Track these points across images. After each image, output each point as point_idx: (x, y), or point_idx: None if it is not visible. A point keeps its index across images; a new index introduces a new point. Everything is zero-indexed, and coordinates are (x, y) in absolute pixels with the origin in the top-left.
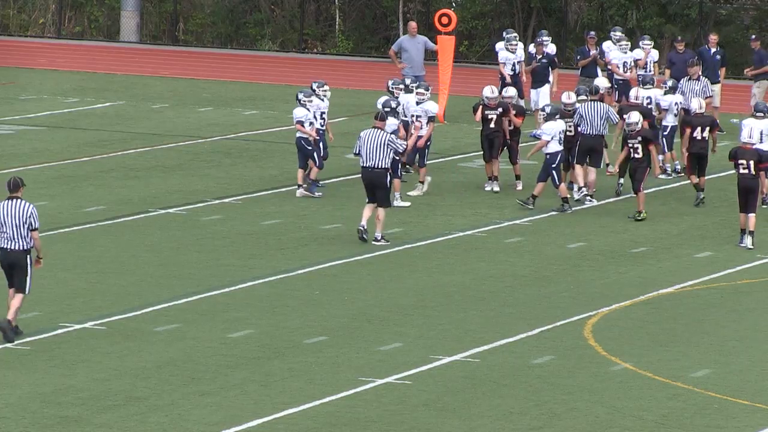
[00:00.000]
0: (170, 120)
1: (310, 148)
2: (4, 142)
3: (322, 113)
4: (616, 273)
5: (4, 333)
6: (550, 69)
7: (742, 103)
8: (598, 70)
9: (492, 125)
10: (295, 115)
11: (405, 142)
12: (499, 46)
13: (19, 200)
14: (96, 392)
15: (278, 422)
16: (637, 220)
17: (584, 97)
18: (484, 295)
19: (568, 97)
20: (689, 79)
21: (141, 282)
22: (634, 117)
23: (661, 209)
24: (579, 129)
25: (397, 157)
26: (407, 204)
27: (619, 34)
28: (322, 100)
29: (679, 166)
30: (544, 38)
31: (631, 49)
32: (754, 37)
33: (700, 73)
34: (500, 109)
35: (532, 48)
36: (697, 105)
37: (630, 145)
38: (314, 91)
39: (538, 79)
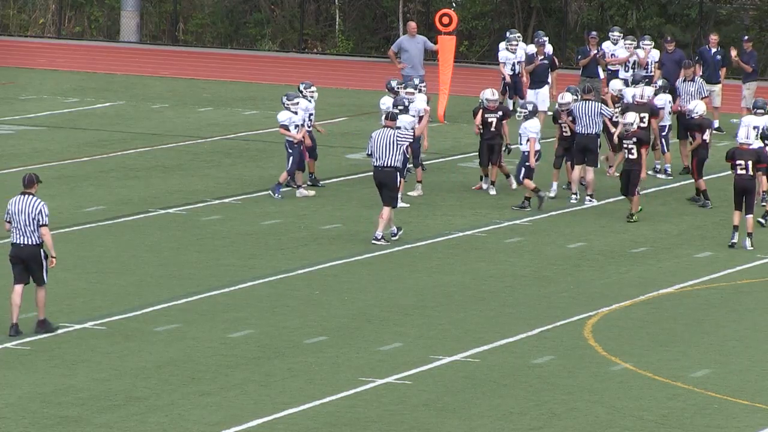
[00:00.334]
0: (170, 120)
1: (290, 151)
2: (4, 142)
3: (310, 115)
4: (616, 273)
5: (46, 330)
6: (549, 70)
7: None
8: (599, 70)
9: (492, 128)
10: (279, 119)
11: (411, 133)
12: (502, 46)
13: (31, 196)
14: (96, 392)
15: (278, 422)
16: (629, 222)
17: (576, 97)
18: (484, 295)
19: (562, 98)
20: (684, 80)
21: (141, 282)
22: (630, 117)
23: (661, 209)
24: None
25: (407, 155)
26: (407, 205)
27: (617, 33)
28: (310, 101)
29: (669, 168)
30: (543, 39)
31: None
32: (746, 38)
33: (699, 74)
34: (500, 113)
35: (532, 48)
36: (695, 108)
37: (625, 145)
38: (301, 92)
39: (538, 79)
